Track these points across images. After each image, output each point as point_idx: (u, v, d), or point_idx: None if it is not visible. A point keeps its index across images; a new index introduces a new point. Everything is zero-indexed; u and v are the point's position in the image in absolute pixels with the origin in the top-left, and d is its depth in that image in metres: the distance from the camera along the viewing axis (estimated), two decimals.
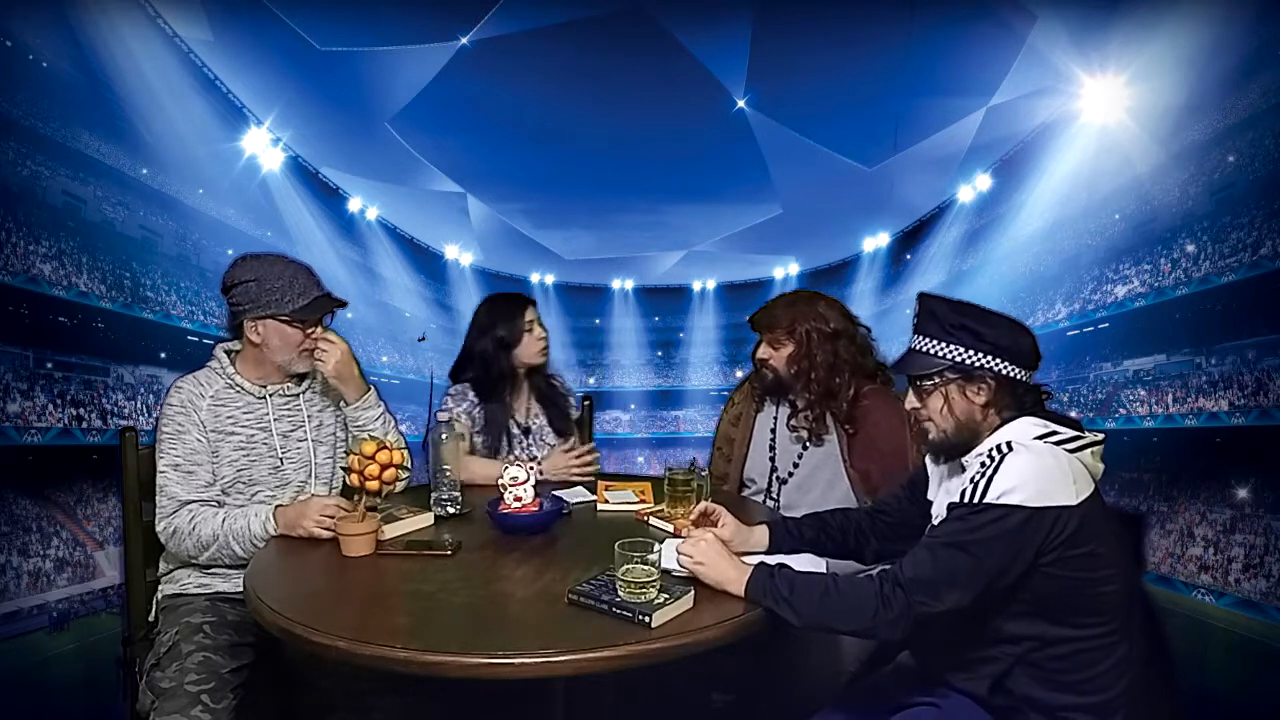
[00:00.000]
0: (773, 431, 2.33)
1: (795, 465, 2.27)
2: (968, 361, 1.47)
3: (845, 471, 2.21)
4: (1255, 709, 2.32)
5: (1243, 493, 2.47)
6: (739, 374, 5.85)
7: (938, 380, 1.50)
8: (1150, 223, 3.05)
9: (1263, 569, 2.38)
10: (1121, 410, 3.08)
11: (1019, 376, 1.48)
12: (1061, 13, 3.51)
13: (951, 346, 1.48)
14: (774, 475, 2.31)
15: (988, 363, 1.46)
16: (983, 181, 4.42)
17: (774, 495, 2.30)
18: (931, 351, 1.50)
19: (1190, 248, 2.83)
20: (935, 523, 1.53)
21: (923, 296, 1.56)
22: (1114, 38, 3.18)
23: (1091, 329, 3.44)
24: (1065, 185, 3.70)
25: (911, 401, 1.57)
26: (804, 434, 2.23)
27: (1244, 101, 2.60)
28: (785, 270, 5.66)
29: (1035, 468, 1.37)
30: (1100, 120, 3.33)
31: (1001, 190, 4.29)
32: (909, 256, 5.09)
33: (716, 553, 1.52)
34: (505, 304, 2.52)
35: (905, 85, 4.22)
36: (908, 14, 3.95)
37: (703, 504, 1.78)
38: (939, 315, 1.50)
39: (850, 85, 4.39)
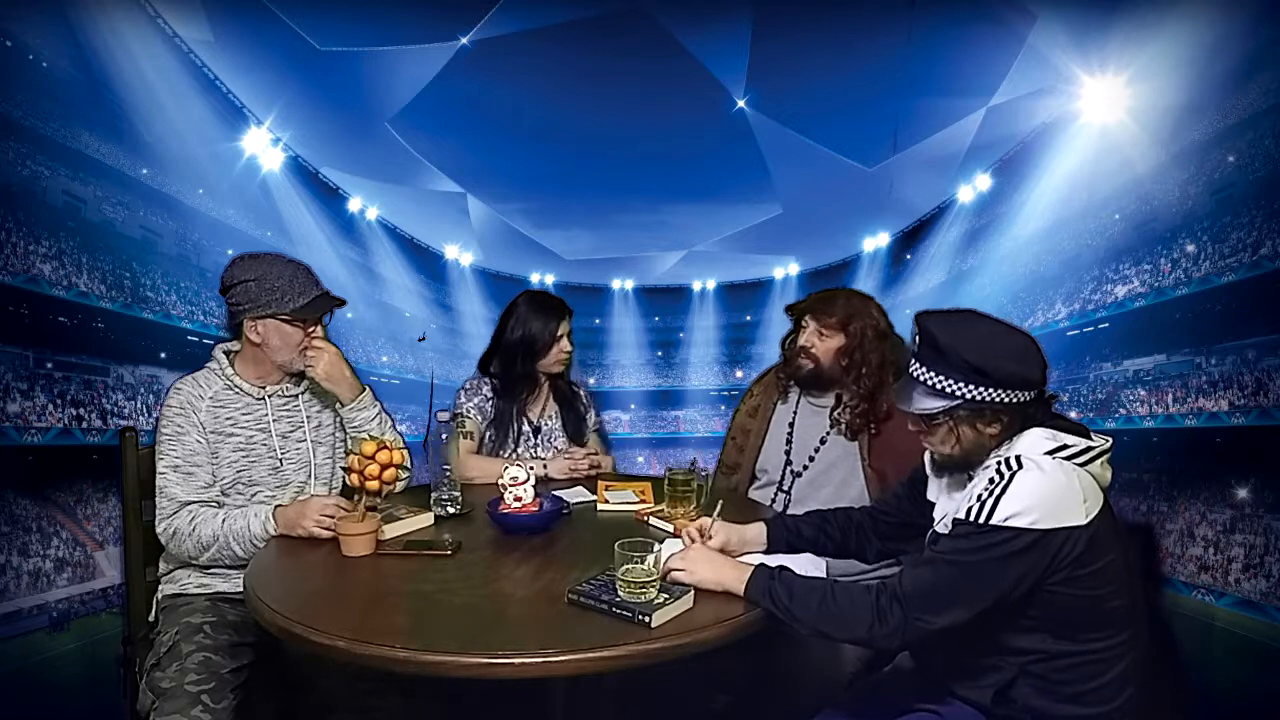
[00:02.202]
0: (791, 425, 2.34)
1: (811, 459, 2.28)
2: (978, 398, 1.39)
3: (862, 470, 2.22)
4: (1255, 709, 2.32)
5: (1243, 493, 2.47)
6: (739, 374, 5.84)
7: (944, 417, 1.44)
8: (1150, 223, 3.05)
9: (1263, 569, 2.37)
10: (1121, 410, 3.08)
11: (1029, 399, 1.42)
12: (1061, 13, 3.51)
13: (959, 385, 1.40)
14: (788, 468, 2.31)
15: (998, 397, 1.39)
16: (983, 181, 4.41)
17: (785, 488, 2.31)
18: (938, 387, 1.41)
19: (1190, 248, 2.82)
20: (938, 529, 1.50)
21: (920, 321, 1.46)
22: (1114, 38, 3.17)
23: (1091, 329, 3.42)
24: (1065, 185, 3.69)
25: (913, 425, 1.50)
26: (843, 426, 2.24)
27: (1244, 101, 2.60)
28: (785, 270, 5.65)
29: (1045, 488, 1.33)
30: (1100, 120, 3.32)
31: (1001, 190, 4.28)
32: (909, 256, 5.07)
33: (706, 557, 1.51)
34: (544, 308, 2.48)
35: (905, 85, 4.21)
36: (908, 14, 3.94)
37: (699, 521, 1.73)
38: (942, 347, 1.40)
39: (850, 85, 4.38)
